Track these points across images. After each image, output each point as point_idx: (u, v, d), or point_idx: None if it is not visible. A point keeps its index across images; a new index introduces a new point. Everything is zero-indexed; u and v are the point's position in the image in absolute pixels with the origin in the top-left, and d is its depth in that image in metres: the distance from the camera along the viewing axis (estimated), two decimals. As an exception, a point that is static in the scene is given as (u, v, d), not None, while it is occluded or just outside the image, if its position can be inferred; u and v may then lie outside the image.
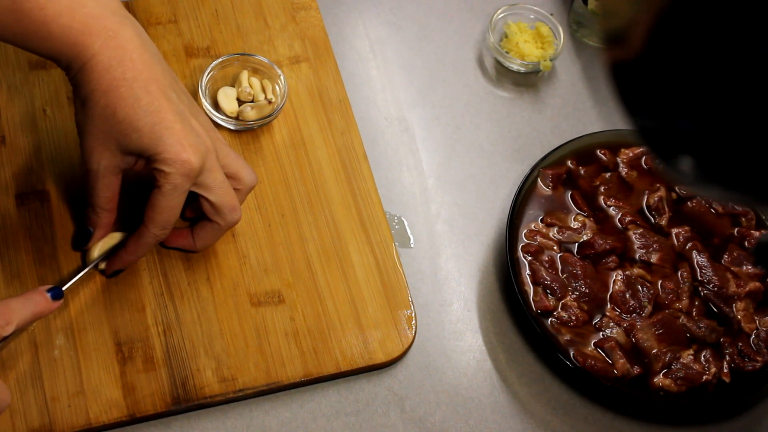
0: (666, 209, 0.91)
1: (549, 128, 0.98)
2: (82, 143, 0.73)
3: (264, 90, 0.91)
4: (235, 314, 0.81)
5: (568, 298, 0.85)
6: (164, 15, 0.95)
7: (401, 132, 0.95)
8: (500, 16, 1.01)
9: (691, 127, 0.40)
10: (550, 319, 0.84)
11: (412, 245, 0.89)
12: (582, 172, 0.92)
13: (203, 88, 0.89)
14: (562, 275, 0.86)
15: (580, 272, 0.86)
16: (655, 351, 0.83)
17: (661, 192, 0.91)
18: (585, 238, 0.88)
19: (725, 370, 0.83)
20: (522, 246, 0.87)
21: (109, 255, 0.79)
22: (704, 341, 0.84)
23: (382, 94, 0.97)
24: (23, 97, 0.88)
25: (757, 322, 0.86)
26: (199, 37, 0.94)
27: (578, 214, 0.90)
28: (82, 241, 0.79)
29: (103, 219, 0.77)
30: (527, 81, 1.01)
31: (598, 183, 0.92)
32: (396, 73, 0.99)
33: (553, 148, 0.92)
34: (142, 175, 0.77)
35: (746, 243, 0.90)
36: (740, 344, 0.84)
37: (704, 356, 0.83)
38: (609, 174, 0.92)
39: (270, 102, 0.90)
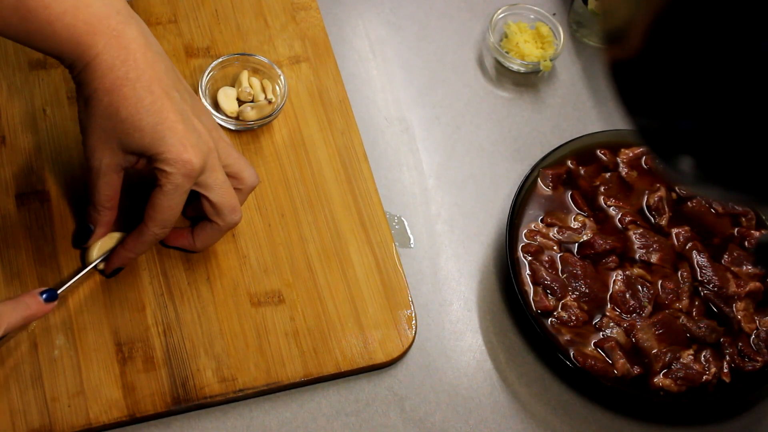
0: (666, 209, 0.91)
1: (549, 128, 0.98)
2: (84, 141, 0.73)
3: (264, 90, 0.91)
4: (235, 314, 0.81)
5: (568, 298, 0.85)
6: (164, 15, 0.95)
7: (401, 132, 0.96)
8: (500, 16, 1.01)
9: (691, 126, 0.40)
10: (550, 319, 0.84)
11: (412, 245, 0.89)
12: (582, 172, 0.92)
13: (203, 88, 0.89)
14: (562, 275, 0.86)
15: (580, 272, 0.86)
16: (655, 351, 0.83)
17: (661, 192, 0.91)
18: (585, 238, 0.88)
19: (725, 370, 0.83)
20: (522, 246, 0.87)
21: (109, 255, 0.79)
22: (704, 341, 0.84)
23: (382, 94, 0.97)
24: (23, 97, 0.88)
25: (757, 322, 0.86)
26: (199, 37, 0.95)
27: (578, 214, 0.90)
28: (82, 239, 0.79)
29: (103, 217, 0.78)
30: (527, 81, 1.01)
31: (598, 183, 0.92)
32: (396, 73, 0.99)
33: (553, 148, 0.92)
34: (143, 175, 0.77)
35: (746, 243, 0.90)
36: (740, 344, 0.84)
37: (704, 356, 0.83)
38: (609, 174, 0.92)
39: (270, 102, 0.90)
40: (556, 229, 0.89)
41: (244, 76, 0.91)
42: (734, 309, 0.86)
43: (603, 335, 0.84)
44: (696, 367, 0.82)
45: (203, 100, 0.89)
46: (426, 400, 0.82)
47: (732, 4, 0.37)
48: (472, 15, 1.04)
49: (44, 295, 0.74)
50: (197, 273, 0.82)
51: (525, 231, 0.88)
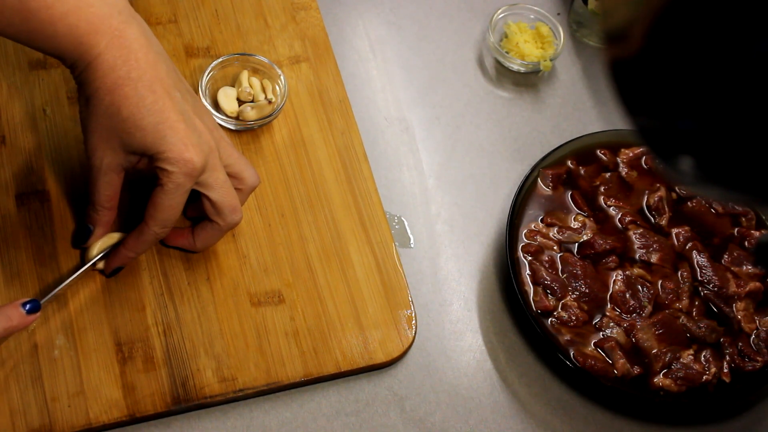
0: (666, 209, 0.91)
1: (549, 128, 0.98)
2: (85, 140, 0.73)
3: (264, 90, 0.91)
4: (235, 314, 0.81)
5: (568, 298, 0.85)
6: (164, 15, 0.95)
7: (401, 132, 0.96)
8: (500, 16, 1.01)
9: (691, 126, 0.40)
10: (550, 319, 0.84)
11: (412, 245, 0.89)
12: (582, 172, 0.92)
13: (203, 88, 0.89)
14: (562, 275, 0.86)
15: (580, 272, 0.86)
16: (655, 351, 0.83)
17: (661, 192, 0.91)
18: (585, 238, 0.88)
19: (725, 370, 0.83)
20: (522, 246, 0.87)
21: (109, 254, 0.79)
22: (704, 341, 0.84)
23: (382, 94, 0.97)
24: (23, 97, 0.88)
25: (757, 322, 0.86)
26: (199, 37, 0.95)
27: (578, 214, 0.90)
28: (81, 239, 0.79)
29: (103, 217, 0.78)
30: (527, 81, 1.01)
31: (598, 183, 0.92)
32: (396, 73, 0.99)
33: (553, 148, 0.92)
34: (143, 176, 0.77)
35: (746, 243, 0.90)
36: (740, 344, 0.84)
37: (704, 356, 0.83)
38: (609, 174, 0.92)
39: (270, 102, 0.90)
40: (556, 229, 0.89)
41: (244, 76, 0.91)
42: (734, 309, 0.86)
43: (603, 335, 0.84)
44: (696, 367, 0.82)
45: (203, 100, 0.89)
46: (426, 400, 0.82)
47: (732, 4, 0.37)
48: (472, 15, 1.04)
49: (27, 306, 0.73)
50: (197, 273, 0.82)
51: (525, 231, 0.88)
